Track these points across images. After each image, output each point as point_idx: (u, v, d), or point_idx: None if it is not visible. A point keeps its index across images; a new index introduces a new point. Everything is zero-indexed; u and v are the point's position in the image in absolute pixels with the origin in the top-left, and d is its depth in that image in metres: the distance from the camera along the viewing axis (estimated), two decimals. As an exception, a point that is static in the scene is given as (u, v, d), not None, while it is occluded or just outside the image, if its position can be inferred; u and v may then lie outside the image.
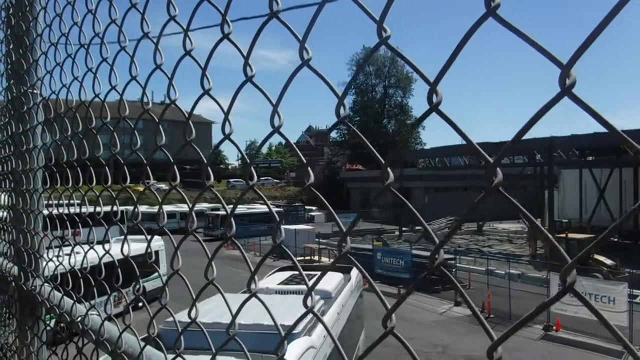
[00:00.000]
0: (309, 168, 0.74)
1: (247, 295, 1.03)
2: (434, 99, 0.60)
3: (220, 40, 0.89)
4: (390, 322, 0.69)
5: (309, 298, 0.81)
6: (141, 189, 1.41)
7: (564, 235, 27.86)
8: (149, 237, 1.41)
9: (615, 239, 34.75)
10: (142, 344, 1.29)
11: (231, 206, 1.12)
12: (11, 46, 2.07)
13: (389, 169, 0.67)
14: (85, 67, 1.43)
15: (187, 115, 0.97)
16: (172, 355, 1.19)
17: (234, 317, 0.94)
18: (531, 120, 0.53)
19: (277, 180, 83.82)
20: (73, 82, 1.53)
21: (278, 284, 12.32)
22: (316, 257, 29.52)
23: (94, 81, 1.38)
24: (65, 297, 1.77)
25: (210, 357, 1.12)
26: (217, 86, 1.01)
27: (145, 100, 1.15)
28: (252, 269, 0.89)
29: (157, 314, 1.26)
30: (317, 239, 35.24)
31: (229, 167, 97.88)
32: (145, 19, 1.13)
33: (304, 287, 11.88)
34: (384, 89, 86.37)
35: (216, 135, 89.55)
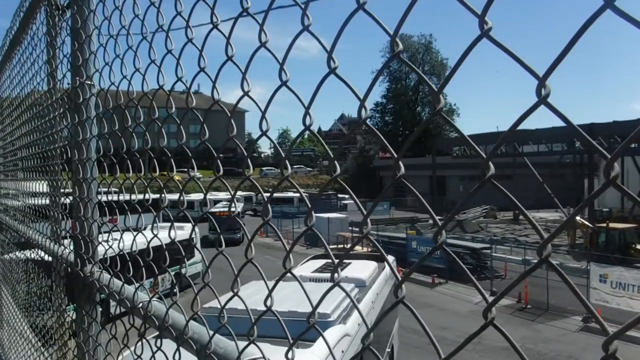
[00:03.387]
0: (335, 162, 0.84)
1: (283, 282, 1.12)
2: (437, 105, 0.69)
3: (258, 49, 1.00)
4: (401, 292, 0.79)
5: (336, 273, 0.90)
6: (178, 177, 1.53)
7: (604, 224, 26.93)
8: (191, 223, 1.54)
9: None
10: (211, 331, 1.32)
11: (267, 195, 1.23)
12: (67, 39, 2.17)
13: (400, 162, 0.77)
14: (148, 58, 1.50)
15: (229, 113, 1.09)
16: (243, 343, 1.22)
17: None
18: (512, 127, 0.63)
19: (310, 169, 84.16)
20: (134, 73, 1.60)
21: (312, 272, 12.48)
22: (349, 246, 29.61)
23: (158, 72, 1.47)
24: (126, 285, 1.83)
25: (246, 343, 1.19)
26: (254, 74, 1.10)
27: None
28: (287, 248, 0.99)
29: (200, 290, 1.38)
30: (350, 227, 35.33)
31: (262, 155, 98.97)
32: (185, 20, 1.24)
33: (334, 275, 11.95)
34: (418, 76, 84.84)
35: (249, 124, 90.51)
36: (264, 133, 1.01)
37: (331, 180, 0.84)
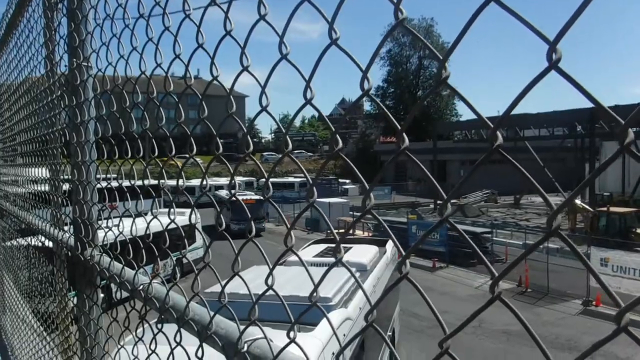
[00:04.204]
0: (337, 135, 0.82)
1: (283, 267, 1.11)
2: (443, 74, 0.67)
3: (257, 22, 0.96)
4: (405, 268, 0.77)
5: (340, 251, 0.89)
6: (179, 162, 1.51)
7: (605, 208, 26.97)
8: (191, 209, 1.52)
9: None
10: (212, 313, 1.32)
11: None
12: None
13: (404, 134, 0.74)
14: (146, 37, 1.48)
15: (228, 91, 1.06)
16: (244, 325, 1.21)
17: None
18: (521, 94, 0.60)
19: (311, 154, 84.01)
20: (131, 52, 1.57)
21: (313, 257, 12.52)
22: (350, 230, 29.69)
23: (156, 52, 1.45)
24: (126, 268, 1.83)
25: (244, 327, 1.18)
26: (253, 59, 1.09)
27: (188, 75, 1.24)
28: (288, 226, 0.98)
29: (200, 270, 1.38)
30: (350, 212, 35.42)
31: (262, 140, 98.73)
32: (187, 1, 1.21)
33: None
34: (419, 60, 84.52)
35: (249, 109, 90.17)
36: (263, 109, 0.98)
37: (333, 155, 0.82)
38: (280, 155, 1.05)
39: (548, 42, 0.57)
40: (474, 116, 0.67)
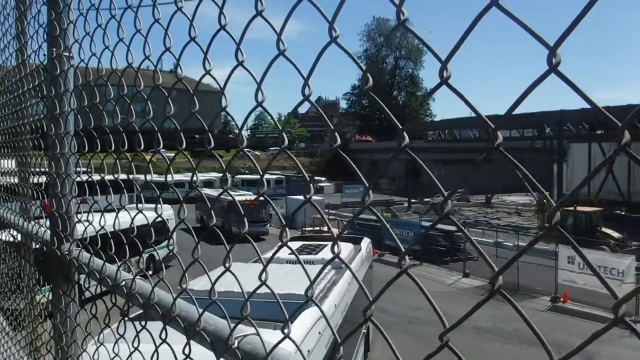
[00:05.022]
0: (336, 133, 0.83)
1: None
2: (444, 74, 0.69)
3: (254, 17, 0.97)
4: (405, 262, 0.79)
5: (336, 246, 0.90)
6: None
7: (572, 208, 27.83)
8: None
9: (623, 212, 34.74)
10: (200, 310, 1.30)
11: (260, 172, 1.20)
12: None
13: (405, 133, 0.76)
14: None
15: (221, 87, 1.06)
16: (235, 321, 1.20)
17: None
18: (522, 96, 0.63)
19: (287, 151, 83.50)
20: (117, 44, 1.54)
21: (289, 254, 12.44)
22: (325, 228, 29.76)
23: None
24: (107, 264, 1.79)
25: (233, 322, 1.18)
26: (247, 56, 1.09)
27: (178, 71, 1.23)
28: (283, 222, 0.98)
29: (189, 266, 1.36)
30: (326, 210, 35.48)
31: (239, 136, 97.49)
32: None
33: (314, 257, 12.06)
34: (395, 60, 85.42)
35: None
36: (259, 104, 0.99)
37: (333, 150, 0.83)
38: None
39: (548, 47, 0.60)
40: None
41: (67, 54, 1.97)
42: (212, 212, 1.20)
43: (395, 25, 0.74)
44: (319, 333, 7.90)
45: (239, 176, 51.24)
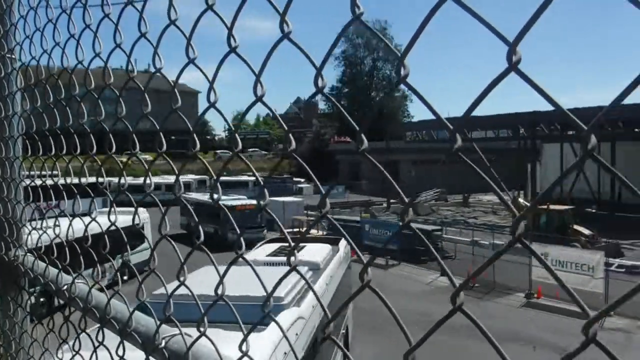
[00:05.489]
0: (290, 135, 0.77)
1: (235, 266, 1.05)
2: (402, 72, 0.64)
3: (204, 11, 0.90)
4: (367, 275, 0.74)
5: (293, 257, 0.84)
6: (124, 159, 1.41)
7: (545, 206, 28.43)
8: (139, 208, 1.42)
9: (593, 210, 35.67)
10: (131, 309, 1.30)
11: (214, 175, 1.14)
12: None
13: (362, 135, 0.71)
14: (67, 33, 1.41)
15: (172, 84, 0.99)
16: (164, 324, 1.20)
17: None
18: (481, 95, 0.58)
19: (265, 152, 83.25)
20: (54, 47, 1.49)
21: (266, 256, 12.41)
22: (305, 229, 29.65)
23: (77, 48, 1.36)
24: (50, 267, 1.76)
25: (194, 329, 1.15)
26: (204, 56, 1.03)
27: (130, 68, 1.15)
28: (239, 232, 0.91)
29: (145, 278, 1.29)
30: (305, 211, 35.42)
31: (216, 137, 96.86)
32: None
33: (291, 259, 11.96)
34: (373, 61, 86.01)
35: (203, 106, 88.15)
36: (212, 105, 0.92)
37: (287, 154, 0.77)
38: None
39: (508, 43, 0.55)
40: (426, 117, 0.65)
41: (10, 55, 1.89)
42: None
43: (350, 20, 0.68)
44: (296, 334, 7.86)
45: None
